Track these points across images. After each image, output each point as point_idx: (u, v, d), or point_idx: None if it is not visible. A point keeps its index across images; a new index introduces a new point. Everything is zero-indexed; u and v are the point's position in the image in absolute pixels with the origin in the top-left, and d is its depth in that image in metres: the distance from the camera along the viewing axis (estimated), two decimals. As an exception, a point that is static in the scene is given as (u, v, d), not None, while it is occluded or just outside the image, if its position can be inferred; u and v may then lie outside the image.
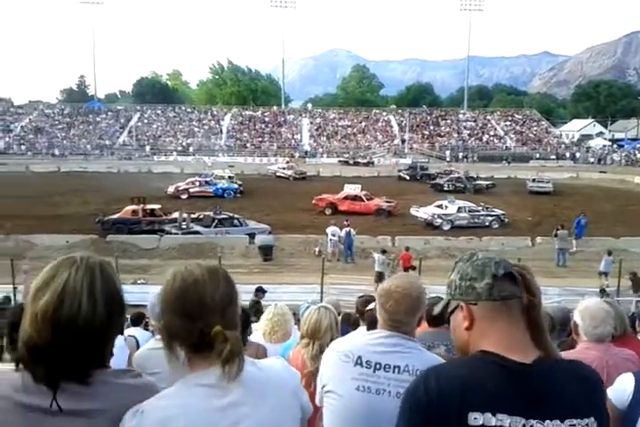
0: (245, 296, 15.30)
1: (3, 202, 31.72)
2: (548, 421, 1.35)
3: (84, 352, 1.37)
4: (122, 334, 4.57)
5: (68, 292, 1.35)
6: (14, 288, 14.02)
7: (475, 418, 1.32)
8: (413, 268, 18.37)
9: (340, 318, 5.74)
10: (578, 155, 67.55)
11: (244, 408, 1.40)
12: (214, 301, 1.42)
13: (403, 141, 69.84)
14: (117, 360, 3.27)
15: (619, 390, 1.93)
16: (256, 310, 9.23)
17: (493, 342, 1.45)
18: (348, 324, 5.30)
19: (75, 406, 1.34)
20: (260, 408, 1.42)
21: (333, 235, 21.43)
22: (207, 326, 1.40)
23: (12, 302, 11.08)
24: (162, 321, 1.48)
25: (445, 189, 38.80)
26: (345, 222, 22.27)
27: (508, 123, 77.67)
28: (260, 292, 12.58)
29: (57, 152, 63.24)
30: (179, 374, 1.46)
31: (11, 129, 70.78)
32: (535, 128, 76.62)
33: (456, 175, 41.97)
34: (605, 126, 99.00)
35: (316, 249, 21.68)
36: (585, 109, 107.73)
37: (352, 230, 21.57)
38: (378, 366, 2.10)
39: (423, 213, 27.95)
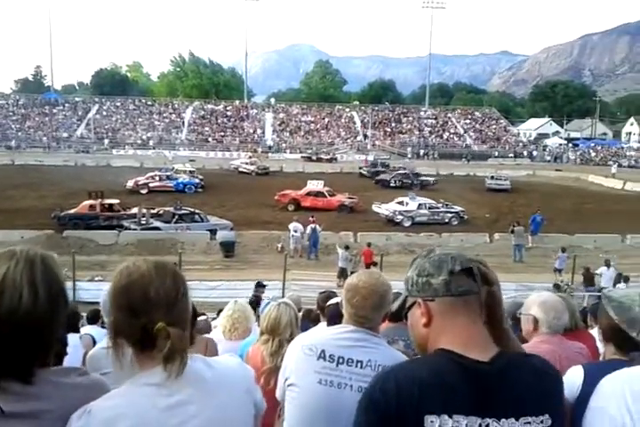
0: (204, 293, 15.23)
1: (-47, 195, 30.68)
2: (503, 419, 1.35)
3: (26, 348, 1.30)
4: (77, 332, 4.49)
5: (8, 284, 1.29)
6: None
7: (431, 421, 1.31)
8: (375, 264, 18.52)
9: (301, 313, 5.76)
10: (535, 153, 69.21)
11: (191, 407, 1.38)
12: (159, 296, 1.39)
13: (365, 137, 70.34)
14: (72, 359, 3.22)
15: (568, 382, 1.96)
16: (257, 305, 9.14)
17: (452, 340, 1.44)
18: (309, 320, 5.32)
19: (18, 407, 1.27)
20: (208, 407, 1.40)
21: (295, 231, 21.43)
22: (151, 322, 1.36)
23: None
24: (109, 317, 1.45)
25: (392, 185, 39.40)
26: (310, 219, 22.30)
27: (468, 121, 78.94)
28: (261, 287, 12.44)
29: (13, 144, 61.31)
30: (126, 372, 1.43)
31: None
32: (494, 126, 78.09)
33: (402, 171, 42.43)
34: (561, 126, 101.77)
35: (279, 245, 21.65)
36: (542, 109, 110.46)
37: (317, 227, 21.61)
38: (341, 360, 2.11)
39: (384, 209, 28.20)
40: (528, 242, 22.99)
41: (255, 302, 10.25)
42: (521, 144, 74.53)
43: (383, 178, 41.25)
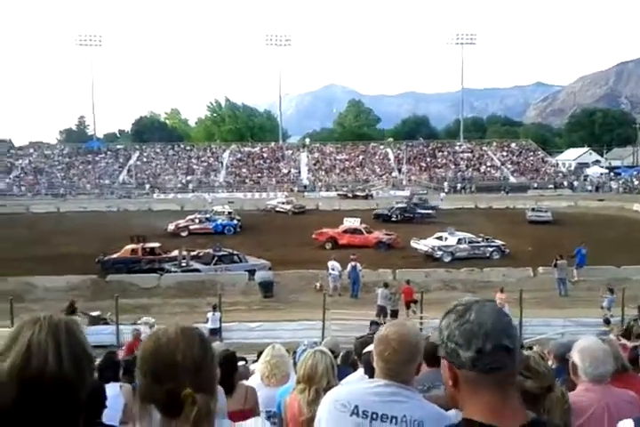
0: (243, 334, 15.19)
1: (2, 244, 31.70)
2: None
3: (54, 412, 1.29)
4: (118, 380, 4.48)
5: (34, 349, 1.30)
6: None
7: None
8: (415, 301, 18.24)
9: (341, 356, 5.67)
10: (576, 183, 67.94)
11: None
12: (185, 362, 1.39)
13: (399, 171, 70.49)
14: (111, 411, 3.23)
15: None
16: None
17: (477, 410, 1.38)
18: (347, 364, 5.23)
19: None
20: None
21: (333, 269, 21.33)
22: (177, 387, 1.36)
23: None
24: (138, 382, 1.45)
25: (393, 219, 39.00)
26: (352, 256, 22.16)
27: (505, 153, 78.33)
28: (375, 324, 12.32)
29: (61, 192, 63.45)
30: None
31: (11, 170, 71.38)
32: (532, 158, 77.24)
33: (401, 205, 42.15)
34: (601, 155, 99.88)
35: (317, 284, 21.56)
36: (580, 138, 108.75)
37: (358, 265, 21.44)
38: (375, 416, 2.05)
39: (423, 245, 27.92)
40: (574, 276, 22.33)
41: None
42: (561, 175, 73.36)
43: (382, 213, 40.77)
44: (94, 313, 17.03)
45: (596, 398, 2.53)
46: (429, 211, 41.91)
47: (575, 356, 2.74)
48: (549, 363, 3.08)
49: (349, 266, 21.35)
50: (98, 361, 5.71)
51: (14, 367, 1.28)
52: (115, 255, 25.04)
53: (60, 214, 47.93)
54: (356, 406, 2.07)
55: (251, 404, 3.82)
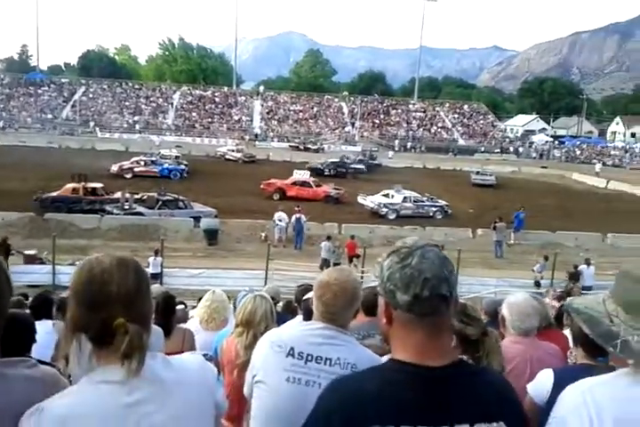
0: (186, 281, 15.17)
1: None
2: (456, 425, 1.34)
3: None
4: (51, 318, 4.41)
5: None
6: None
7: None
8: (357, 256, 18.59)
9: (282, 305, 5.74)
10: (521, 150, 69.62)
11: (149, 406, 1.36)
12: (119, 292, 1.37)
13: (352, 125, 70.34)
14: (42, 348, 3.17)
15: (538, 386, 1.99)
16: None
17: (406, 349, 1.42)
18: (288, 312, 5.31)
19: None
20: (167, 406, 1.38)
21: (280, 220, 21.37)
22: (110, 317, 1.34)
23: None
24: (68, 311, 1.42)
25: (326, 173, 39.35)
26: (296, 208, 22.25)
27: (456, 115, 79.10)
28: None
29: (1, 124, 60.27)
30: (83, 368, 1.40)
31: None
32: (482, 121, 78.36)
33: (335, 160, 42.47)
34: (548, 123, 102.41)
35: (263, 234, 21.59)
36: (530, 105, 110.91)
37: (303, 217, 21.55)
38: (310, 358, 2.09)
39: (370, 201, 28.25)
40: (510, 238, 23.18)
41: None
42: (507, 140, 74.91)
43: (315, 167, 40.53)
44: (30, 252, 16.57)
45: (521, 349, 2.67)
46: (361, 166, 42.45)
47: (504, 310, 2.87)
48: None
49: (294, 217, 21.45)
50: (31, 299, 5.59)
51: None
52: (54, 193, 24.19)
53: (-3, 148, 45.65)
54: (292, 348, 2.11)
55: (188, 346, 3.84)
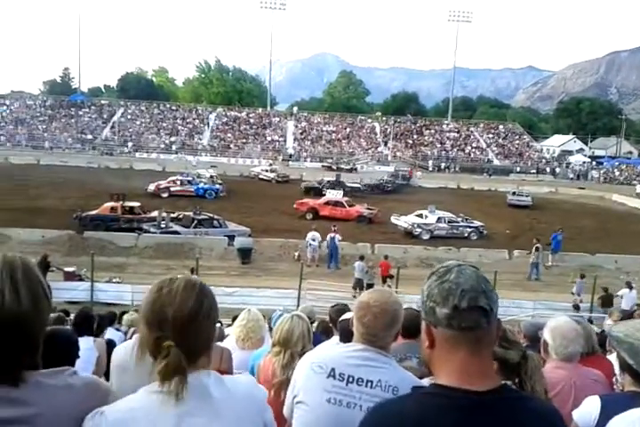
0: (219, 299, 15.19)
1: (-22, 193, 31.20)
2: None
3: (11, 348, 1.32)
4: (92, 334, 4.51)
5: None
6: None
7: None
8: (391, 276, 18.44)
9: (316, 325, 5.73)
10: (558, 170, 68.52)
11: (199, 420, 1.40)
12: (175, 315, 1.43)
13: (385, 145, 70.31)
14: (84, 363, 3.24)
15: (585, 413, 1.94)
16: None
17: (449, 372, 1.41)
18: (322, 332, 5.29)
19: (6, 413, 1.28)
20: (216, 422, 1.42)
21: (313, 240, 21.40)
22: (161, 337, 1.41)
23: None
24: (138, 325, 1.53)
25: (324, 193, 38.25)
26: (332, 228, 22.24)
27: (491, 135, 78.48)
28: None
29: (47, 145, 62.04)
30: (146, 380, 1.47)
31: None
32: (517, 142, 77.54)
33: (331, 179, 41.84)
34: (586, 143, 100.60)
35: (296, 254, 21.65)
36: (566, 125, 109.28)
37: (337, 236, 21.52)
38: (351, 380, 2.08)
39: (403, 221, 28.08)
40: (548, 260, 22.73)
41: None
42: (544, 160, 73.83)
43: (312, 186, 40.23)
44: (69, 269, 16.93)
45: (564, 375, 2.60)
46: (357, 185, 42.19)
47: (546, 334, 2.81)
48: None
49: (328, 237, 21.45)
50: (72, 316, 5.71)
51: None
52: (93, 212, 24.78)
53: (40, 167, 47.10)
54: (333, 369, 2.11)
55: (226, 365, 3.86)
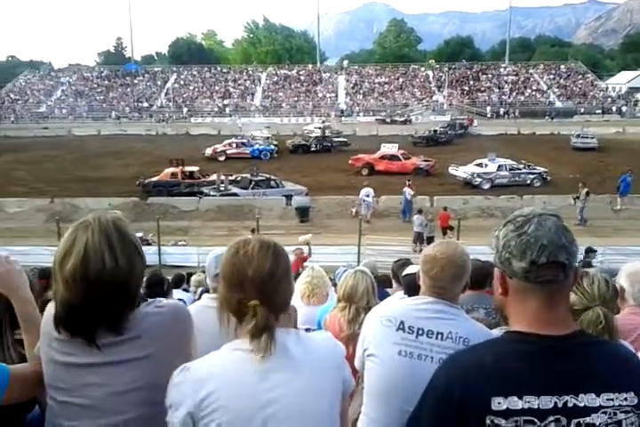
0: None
1: (47, 166, 32.59)
2: (582, 395, 1.30)
3: (116, 301, 1.52)
4: (164, 296, 4.69)
5: (90, 252, 1.50)
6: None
7: (498, 403, 1.29)
8: (451, 228, 18.24)
9: (377, 280, 5.75)
10: (625, 109, 64.83)
11: (280, 375, 1.45)
12: (254, 275, 1.48)
13: (440, 92, 68.22)
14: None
15: None
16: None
17: (526, 318, 1.40)
18: (385, 286, 5.31)
19: (116, 338, 1.53)
20: (297, 378, 1.46)
21: (367, 196, 21.29)
22: (244, 298, 1.47)
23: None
24: (218, 286, 1.60)
25: (312, 149, 37.87)
26: (407, 182, 22.02)
27: (552, 76, 74.74)
28: (592, 252, 12.31)
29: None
30: (227, 337, 1.54)
31: (52, 93, 71.84)
32: (580, 81, 73.57)
33: (318, 135, 40.45)
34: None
35: (353, 210, 21.66)
36: (634, 61, 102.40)
37: (408, 190, 21.29)
38: (420, 332, 2.09)
39: (462, 171, 27.49)
40: (617, 204, 21.83)
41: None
42: (610, 99, 69.88)
43: (300, 144, 39.08)
44: (138, 234, 17.52)
45: (640, 320, 2.53)
46: (344, 139, 40.76)
47: (623, 280, 2.71)
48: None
49: (403, 191, 21.35)
50: (145, 279, 5.94)
51: (76, 271, 1.49)
52: (155, 178, 25.48)
53: (102, 137, 48.54)
54: (402, 322, 2.11)
55: (293, 321, 3.94)
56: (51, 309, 1.60)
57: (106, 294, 1.50)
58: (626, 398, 1.31)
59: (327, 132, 41.85)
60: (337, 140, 40.38)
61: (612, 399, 1.31)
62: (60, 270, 1.51)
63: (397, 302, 2.28)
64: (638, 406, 1.32)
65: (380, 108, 65.09)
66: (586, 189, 20.79)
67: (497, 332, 2.12)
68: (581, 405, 1.30)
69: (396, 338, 2.10)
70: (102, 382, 1.52)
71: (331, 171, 30.75)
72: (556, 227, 1.38)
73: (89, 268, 1.48)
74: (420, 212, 18.49)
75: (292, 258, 12.52)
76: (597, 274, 2.33)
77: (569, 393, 1.30)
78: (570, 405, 1.30)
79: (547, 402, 1.29)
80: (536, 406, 1.29)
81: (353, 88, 72.89)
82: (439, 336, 2.07)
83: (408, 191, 21.31)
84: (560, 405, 1.29)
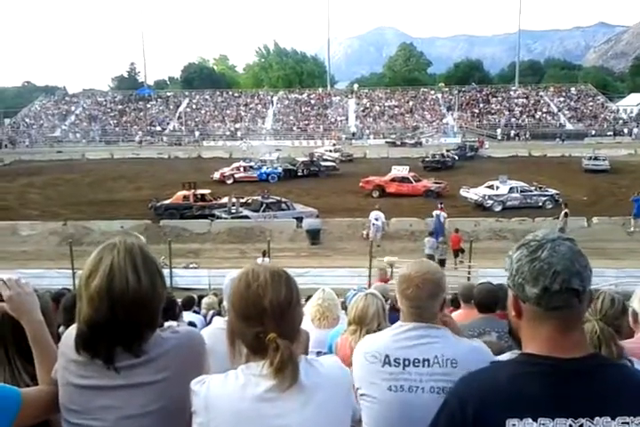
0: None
1: (61, 189, 32.97)
2: (597, 418, 1.29)
3: (136, 323, 1.55)
4: (175, 319, 4.67)
5: (115, 271, 1.54)
6: (73, 273, 14.57)
7: (513, 425, 1.29)
8: (462, 250, 18.14)
9: (389, 303, 5.71)
10: (636, 130, 64.69)
11: (292, 403, 1.44)
12: (272, 306, 1.48)
13: (450, 114, 68.44)
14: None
15: None
16: None
17: (540, 341, 1.40)
18: (394, 310, 5.28)
19: (134, 360, 1.55)
20: (308, 405, 1.45)
21: (376, 219, 21.24)
22: (263, 331, 1.46)
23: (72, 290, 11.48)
24: (228, 315, 1.62)
25: (299, 174, 37.61)
26: (438, 205, 21.91)
27: (562, 99, 74.96)
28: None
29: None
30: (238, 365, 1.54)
31: (66, 117, 73.03)
32: (591, 103, 73.70)
33: (306, 160, 40.00)
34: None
35: (364, 232, 21.63)
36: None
37: (442, 213, 21.14)
38: (407, 363, 2.04)
39: (473, 193, 27.45)
40: (631, 226, 21.65)
41: None
42: (621, 121, 69.84)
43: (289, 169, 38.51)
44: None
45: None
46: (331, 164, 40.35)
47: (635, 303, 2.67)
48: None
49: (434, 214, 21.13)
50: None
51: (102, 287, 1.53)
52: (167, 201, 25.68)
53: (115, 161, 49.08)
54: (387, 356, 2.07)
55: (304, 345, 3.91)
56: (71, 330, 1.62)
57: (128, 313, 1.52)
58: None
59: (315, 158, 41.51)
60: (325, 165, 40.09)
61: (628, 423, 1.30)
62: (86, 288, 1.55)
63: (379, 336, 2.22)
64: None
65: (391, 131, 65.45)
66: (565, 211, 20.89)
67: (508, 355, 2.10)
68: None
69: (384, 374, 2.05)
70: (117, 405, 1.53)
71: (341, 193, 30.82)
72: (570, 252, 1.38)
73: (113, 285, 1.52)
74: (430, 234, 18.44)
75: (374, 280, 12.55)
76: (606, 291, 2.31)
77: (584, 416, 1.30)
78: None
79: (562, 425, 1.29)
80: None
81: (363, 111, 73.46)
82: (426, 363, 2.02)
83: (442, 214, 21.14)
84: None
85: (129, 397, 1.54)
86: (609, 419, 1.29)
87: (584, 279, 1.36)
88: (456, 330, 2.22)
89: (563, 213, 20.87)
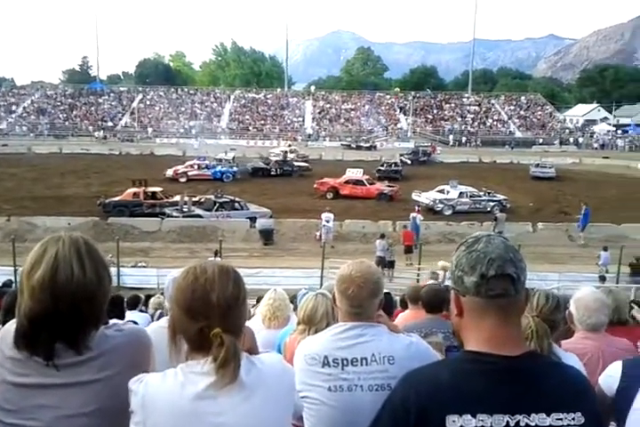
0: (244, 280, 15.38)
1: (5, 184, 31.78)
2: (533, 414, 1.34)
3: (80, 316, 1.50)
4: (122, 318, 4.60)
5: (60, 261, 1.51)
6: (15, 270, 14.08)
7: (453, 421, 1.32)
8: (410, 251, 18.52)
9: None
10: (581, 140, 67.23)
11: (230, 400, 1.43)
12: (219, 302, 1.46)
13: (405, 119, 69.48)
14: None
15: (607, 377, 1.99)
16: None
17: (478, 339, 1.43)
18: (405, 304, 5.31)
19: (77, 358, 1.51)
20: (247, 403, 1.44)
21: (327, 221, 21.35)
22: (207, 326, 1.44)
23: (15, 285, 11.11)
24: (170, 311, 1.59)
25: (272, 173, 37.96)
26: (416, 208, 22.39)
27: (512, 107, 77.17)
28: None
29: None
30: (177, 363, 1.51)
31: (13, 110, 70.47)
32: (539, 113, 76.15)
33: (279, 159, 40.37)
34: (610, 111, 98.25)
35: (317, 234, 21.68)
36: (590, 94, 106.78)
37: (418, 216, 21.62)
38: (345, 363, 2.05)
39: (425, 197, 27.91)
40: (580, 237, 22.21)
41: None
42: (567, 131, 72.47)
43: (261, 167, 38.82)
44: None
45: (591, 344, 2.62)
46: (306, 164, 40.92)
47: (571, 305, 2.81)
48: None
49: (410, 217, 21.58)
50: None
51: (45, 277, 1.49)
52: (116, 198, 25.08)
53: (63, 155, 47.65)
54: (326, 357, 2.07)
55: (249, 344, 3.89)
56: (9, 326, 1.56)
57: (71, 305, 1.48)
58: (574, 418, 1.35)
59: (289, 157, 41.73)
60: (298, 164, 40.22)
61: (562, 419, 1.35)
62: (28, 280, 1.50)
63: (318, 337, 2.23)
64: (585, 426, 1.36)
65: (346, 134, 65.91)
66: (496, 215, 22.74)
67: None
68: (532, 424, 1.34)
69: (323, 375, 2.06)
70: (54, 405, 1.48)
71: (296, 194, 30.82)
72: (504, 244, 1.45)
73: (57, 275, 1.48)
74: (382, 236, 18.66)
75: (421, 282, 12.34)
76: (541, 289, 2.41)
77: (521, 413, 1.34)
78: (522, 424, 1.33)
79: (499, 421, 1.33)
80: (489, 425, 1.32)
81: (320, 113, 73.73)
82: (363, 362, 2.04)
83: (419, 217, 21.69)
84: (512, 424, 1.33)
85: (67, 396, 1.49)
86: (544, 415, 1.34)
87: (518, 268, 1.43)
88: (392, 327, 2.25)
89: (494, 217, 22.43)
